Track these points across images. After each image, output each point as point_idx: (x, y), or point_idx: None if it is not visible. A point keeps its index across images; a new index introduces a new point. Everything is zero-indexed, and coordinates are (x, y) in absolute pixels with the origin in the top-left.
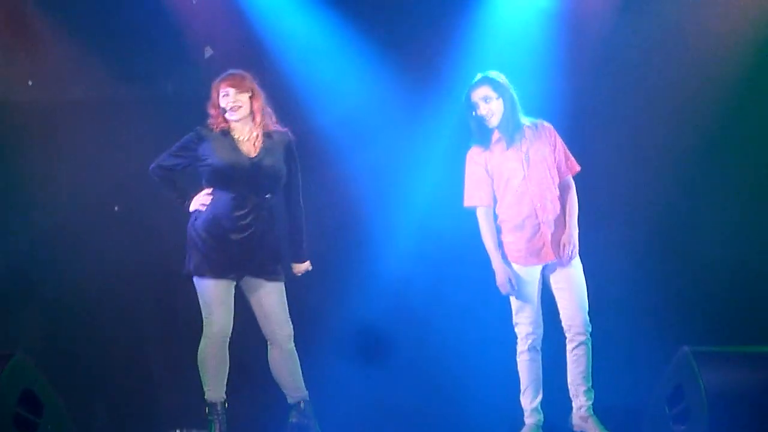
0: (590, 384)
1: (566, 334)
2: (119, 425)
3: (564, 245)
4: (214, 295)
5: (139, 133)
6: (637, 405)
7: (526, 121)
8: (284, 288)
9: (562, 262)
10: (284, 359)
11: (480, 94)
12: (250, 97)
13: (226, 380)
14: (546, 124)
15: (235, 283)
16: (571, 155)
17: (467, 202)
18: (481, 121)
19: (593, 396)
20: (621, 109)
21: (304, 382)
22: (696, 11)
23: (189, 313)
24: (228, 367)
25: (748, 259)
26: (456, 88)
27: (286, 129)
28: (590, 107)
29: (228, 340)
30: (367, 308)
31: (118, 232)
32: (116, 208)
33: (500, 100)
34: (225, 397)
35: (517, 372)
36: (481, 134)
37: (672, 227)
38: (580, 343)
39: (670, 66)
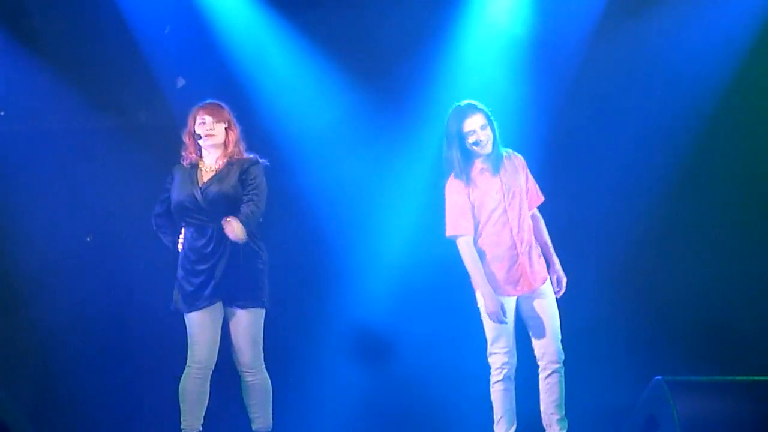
0: (563, 413)
1: (539, 363)
2: None
3: (558, 280)
4: (194, 326)
5: (112, 163)
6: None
7: (502, 151)
8: (261, 316)
9: (537, 292)
10: (244, 389)
11: (476, 121)
12: (226, 128)
13: (203, 412)
14: (517, 154)
15: (217, 315)
16: (537, 186)
17: (451, 232)
18: (470, 150)
19: (566, 425)
20: (595, 138)
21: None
22: (668, 33)
23: (171, 346)
24: (207, 400)
25: (722, 289)
26: (431, 114)
27: (253, 156)
28: (563, 135)
29: (209, 373)
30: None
31: (91, 262)
32: (88, 239)
33: (489, 128)
34: (200, 429)
35: (490, 402)
36: (465, 164)
37: (645, 257)
38: (553, 372)
39: (644, 90)
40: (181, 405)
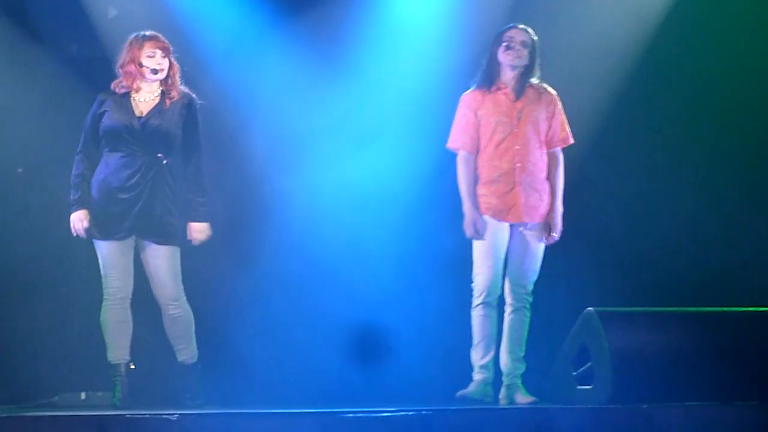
0: (521, 354)
1: (506, 298)
2: (26, 388)
3: (551, 226)
4: (107, 257)
5: (42, 95)
6: (542, 366)
7: (533, 81)
8: (177, 253)
9: (528, 228)
10: (168, 323)
11: (519, 36)
12: (169, 63)
13: (128, 341)
14: (551, 91)
15: (131, 244)
16: (567, 127)
17: (451, 143)
18: (500, 60)
19: (524, 367)
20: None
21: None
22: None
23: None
24: (131, 329)
25: (655, 221)
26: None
27: (188, 90)
28: None
29: (128, 301)
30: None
31: (22, 191)
32: (20, 170)
33: (527, 50)
34: (129, 359)
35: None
36: (489, 75)
37: (579, 189)
38: (516, 310)
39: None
40: (105, 337)
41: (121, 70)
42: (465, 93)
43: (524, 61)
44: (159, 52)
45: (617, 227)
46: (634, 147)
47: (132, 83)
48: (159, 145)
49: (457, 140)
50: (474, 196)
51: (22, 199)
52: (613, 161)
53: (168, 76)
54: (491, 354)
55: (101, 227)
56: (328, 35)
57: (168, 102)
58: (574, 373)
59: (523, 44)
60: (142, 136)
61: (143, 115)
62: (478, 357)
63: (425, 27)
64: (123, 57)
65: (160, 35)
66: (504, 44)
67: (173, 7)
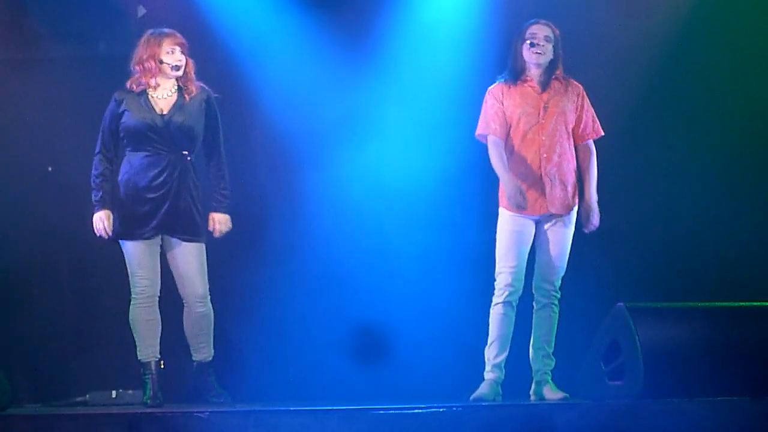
0: (550, 350)
1: (534, 294)
2: (58, 386)
3: (590, 214)
4: (134, 256)
5: (70, 92)
6: (573, 362)
7: (558, 73)
8: (203, 250)
9: (555, 220)
10: (193, 320)
11: (542, 31)
12: (186, 60)
13: (158, 339)
14: (576, 83)
15: (158, 243)
16: (595, 119)
17: (480, 130)
18: (526, 57)
19: (553, 363)
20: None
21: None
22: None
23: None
24: (160, 327)
25: (685, 216)
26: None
27: (202, 84)
28: None
29: (156, 300)
30: (313, 282)
31: (52, 191)
32: (50, 169)
33: (550, 45)
34: (159, 356)
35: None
36: (515, 71)
37: (609, 184)
38: (544, 306)
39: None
40: (135, 335)
41: (138, 67)
42: (491, 86)
43: (549, 57)
44: (178, 48)
45: (647, 222)
46: (663, 142)
47: (150, 80)
48: (183, 141)
49: (486, 127)
50: (509, 170)
51: (51, 197)
52: (643, 156)
53: (185, 72)
54: (505, 354)
55: (128, 227)
56: (357, 31)
57: (187, 98)
58: (605, 369)
59: (546, 39)
60: (166, 134)
61: (165, 112)
62: (491, 355)
63: (453, 22)
64: (140, 54)
65: (176, 32)
66: (528, 41)
67: (202, 5)
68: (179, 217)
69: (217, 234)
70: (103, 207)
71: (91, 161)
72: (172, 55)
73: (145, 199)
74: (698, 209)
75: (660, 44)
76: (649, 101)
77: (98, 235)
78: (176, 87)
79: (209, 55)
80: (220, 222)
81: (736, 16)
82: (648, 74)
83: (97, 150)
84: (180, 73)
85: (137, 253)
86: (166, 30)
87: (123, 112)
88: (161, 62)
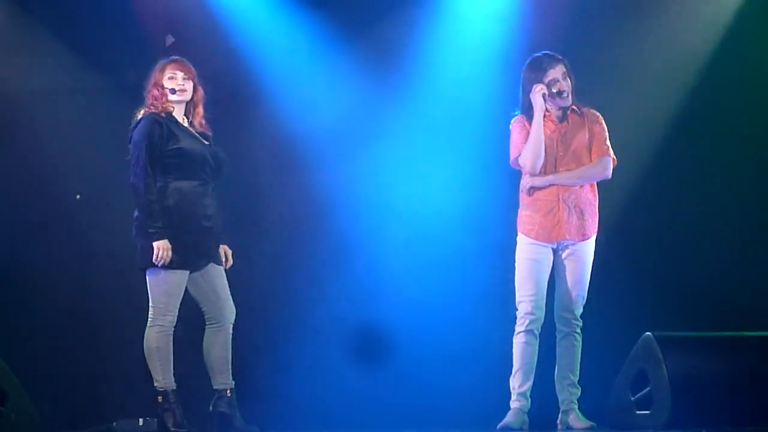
0: (575, 379)
1: (556, 324)
2: (85, 414)
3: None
4: (176, 286)
5: (102, 122)
6: (601, 392)
7: (573, 106)
8: None
9: (573, 249)
10: (222, 343)
11: (560, 70)
12: (194, 87)
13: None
14: (593, 111)
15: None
16: (606, 143)
17: (514, 155)
18: (550, 103)
19: (579, 392)
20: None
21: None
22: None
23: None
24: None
25: (712, 246)
26: (416, 77)
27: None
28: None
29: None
30: (332, 302)
31: (81, 220)
32: (78, 196)
33: (569, 78)
34: (176, 385)
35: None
36: (530, 108)
37: (636, 213)
38: (566, 335)
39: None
40: (155, 364)
41: (147, 95)
42: (515, 118)
43: (571, 92)
44: (180, 74)
45: (676, 251)
46: (692, 170)
47: (164, 104)
48: (220, 171)
49: (518, 151)
50: (526, 220)
51: (78, 225)
52: (671, 185)
53: (192, 101)
54: (530, 383)
55: (185, 256)
56: (386, 48)
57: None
58: (633, 398)
59: (564, 77)
60: (214, 163)
61: (205, 141)
62: (516, 384)
63: (481, 41)
64: (148, 82)
65: (184, 60)
66: (552, 88)
67: (230, 33)
68: (216, 242)
69: (227, 266)
70: (164, 236)
71: (119, 188)
72: (174, 81)
73: (203, 229)
74: (728, 239)
75: (698, 66)
76: (678, 129)
77: (159, 263)
78: (196, 119)
79: (238, 86)
80: (227, 252)
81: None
82: (677, 100)
83: (144, 173)
84: (180, 97)
85: (180, 284)
86: (174, 57)
87: (170, 136)
88: (163, 87)
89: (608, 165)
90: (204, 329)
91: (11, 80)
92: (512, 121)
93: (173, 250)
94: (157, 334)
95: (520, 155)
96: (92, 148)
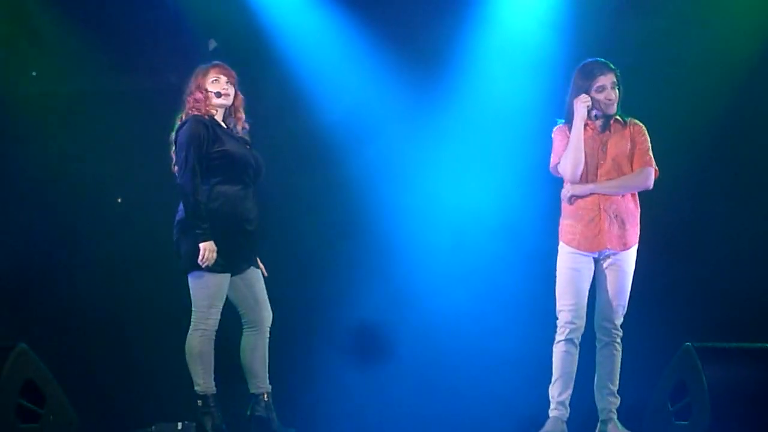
0: (614, 388)
1: (596, 333)
2: (125, 418)
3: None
4: (220, 290)
5: (142, 125)
6: (639, 401)
7: (617, 116)
8: None
9: (614, 258)
10: (262, 346)
11: (610, 79)
12: (235, 92)
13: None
14: (636, 122)
15: None
16: (648, 154)
17: (554, 162)
18: (596, 104)
19: (618, 401)
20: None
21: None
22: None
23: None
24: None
25: (752, 256)
26: (459, 84)
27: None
28: None
29: None
30: (370, 306)
31: (120, 224)
32: (119, 200)
33: (617, 89)
34: (215, 389)
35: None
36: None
37: (676, 223)
38: (606, 344)
39: (671, 68)
40: (197, 368)
41: (189, 98)
42: (557, 126)
43: (617, 102)
44: (223, 78)
45: (717, 261)
46: (731, 181)
47: (208, 107)
48: (260, 175)
49: (558, 157)
50: (567, 230)
51: (119, 230)
52: (711, 195)
53: (233, 105)
54: (569, 391)
55: (229, 260)
56: (429, 54)
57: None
58: (671, 408)
59: (613, 86)
60: (256, 168)
61: (247, 146)
62: (555, 393)
63: (523, 48)
64: (190, 86)
65: (226, 65)
66: (600, 95)
67: (272, 38)
68: (256, 247)
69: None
70: (210, 237)
71: (161, 191)
72: (217, 84)
73: (246, 232)
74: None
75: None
76: (720, 138)
77: (204, 265)
78: (238, 124)
79: (276, 88)
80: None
81: None
82: (719, 107)
83: (191, 174)
84: (224, 101)
85: (223, 287)
86: (217, 62)
87: (216, 138)
88: (207, 91)
89: (650, 175)
90: (241, 333)
91: (52, 81)
92: (554, 129)
93: (217, 252)
94: (200, 338)
95: (559, 163)
96: (131, 152)
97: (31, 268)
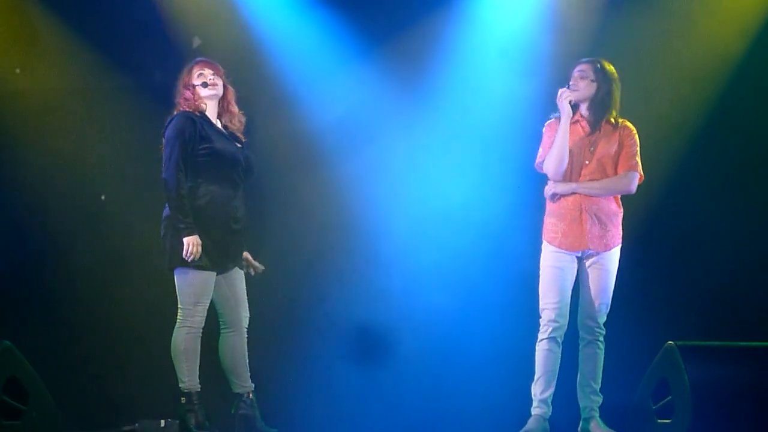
0: (596, 387)
1: (579, 331)
2: (107, 415)
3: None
4: (206, 287)
5: (126, 122)
6: (622, 400)
7: (610, 118)
8: None
9: (597, 258)
10: (241, 346)
11: (579, 68)
12: (224, 86)
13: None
14: (627, 124)
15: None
16: (635, 158)
17: (540, 158)
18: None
19: (600, 400)
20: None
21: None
22: (688, 10)
23: (166, 305)
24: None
25: (735, 255)
26: (447, 86)
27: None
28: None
29: None
30: (365, 309)
31: (106, 221)
32: (102, 197)
33: (594, 84)
34: (200, 386)
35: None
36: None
37: (660, 223)
38: (588, 343)
39: (662, 66)
40: (182, 365)
41: (179, 99)
42: (550, 120)
43: (583, 94)
44: (208, 71)
45: (699, 259)
46: (713, 179)
47: (197, 102)
48: (250, 174)
49: (545, 154)
50: (550, 228)
51: (105, 227)
52: (693, 193)
53: (225, 99)
54: (551, 389)
55: (213, 258)
56: (416, 54)
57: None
58: (654, 407)
59: (581, 76)
60: (246, 167)
61: (237, 143)
62: (538, 391)
63: (511, 47)
64: (178, 87)
65: (210, 59)
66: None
67: (256, 35)
68: (242, 246)
69: (258, 272)
70: (194, 231)
71: (144, 188)
72: (203, 77)
73: (233, 231)
74: (752, 248)
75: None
76: (703, 138)
77: (189, 258)
78: (229, 118)
79: (265, 89)
80: (248, 258)
81: None
82: (703, 107)
83: (175, 169)
84: (212, 91)
85: (209, 285)
86: (200, 58)
87: (204, 135)
88: (193, 86)
89: (633, 180)
90: (218, 335)
91: (36, 79)
92: (546, 124)
93: (203, 251)
94: (186, 335)
95: (542, 163)
96: (116, 148)
97: (14, 265)
